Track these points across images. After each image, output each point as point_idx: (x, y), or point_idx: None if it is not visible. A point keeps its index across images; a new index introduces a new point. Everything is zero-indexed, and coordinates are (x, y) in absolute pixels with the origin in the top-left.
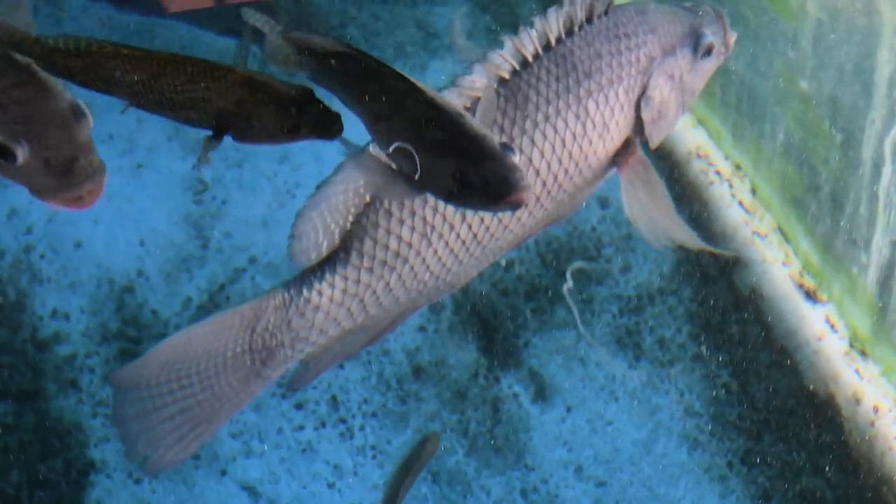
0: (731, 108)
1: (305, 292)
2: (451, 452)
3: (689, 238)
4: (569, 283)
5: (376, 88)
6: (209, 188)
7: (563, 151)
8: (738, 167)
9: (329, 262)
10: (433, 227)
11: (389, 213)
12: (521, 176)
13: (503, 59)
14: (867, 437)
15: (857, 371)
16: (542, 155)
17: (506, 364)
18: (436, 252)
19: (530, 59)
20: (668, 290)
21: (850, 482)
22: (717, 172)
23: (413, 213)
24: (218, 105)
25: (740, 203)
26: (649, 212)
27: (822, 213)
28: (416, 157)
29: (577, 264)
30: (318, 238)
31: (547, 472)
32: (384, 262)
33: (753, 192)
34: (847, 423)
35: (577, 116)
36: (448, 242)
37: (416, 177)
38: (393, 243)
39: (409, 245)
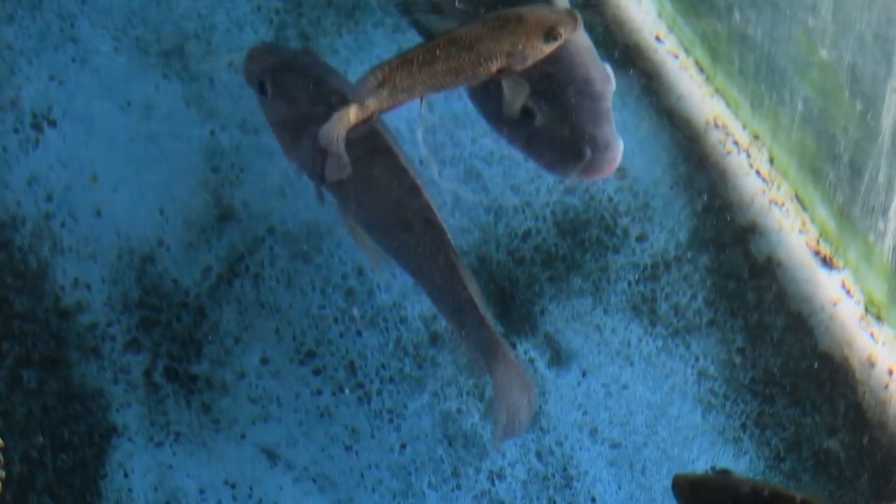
0: (749, 77)
1: None
2: (467, 416)
3: None
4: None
5: None
6: (226, 157)
7: None
8: (755, 137)
9: None
10: None
11: None
12: None
13: None
14: (881, 400)
15: (871, 335)
16: None
17: (522, 330)
18: None
19: None
20: (684, 258)
21: (864, 444)
22: (735, 142)
23: None
24: None
25: (757, 172)
26: None
27: (840, 182)
28: None
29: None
30: None
31: (562, 435)
32: None
33: (771, 161)
34: (861, 385)
35: None
36: None
37: None
38: None
39: None
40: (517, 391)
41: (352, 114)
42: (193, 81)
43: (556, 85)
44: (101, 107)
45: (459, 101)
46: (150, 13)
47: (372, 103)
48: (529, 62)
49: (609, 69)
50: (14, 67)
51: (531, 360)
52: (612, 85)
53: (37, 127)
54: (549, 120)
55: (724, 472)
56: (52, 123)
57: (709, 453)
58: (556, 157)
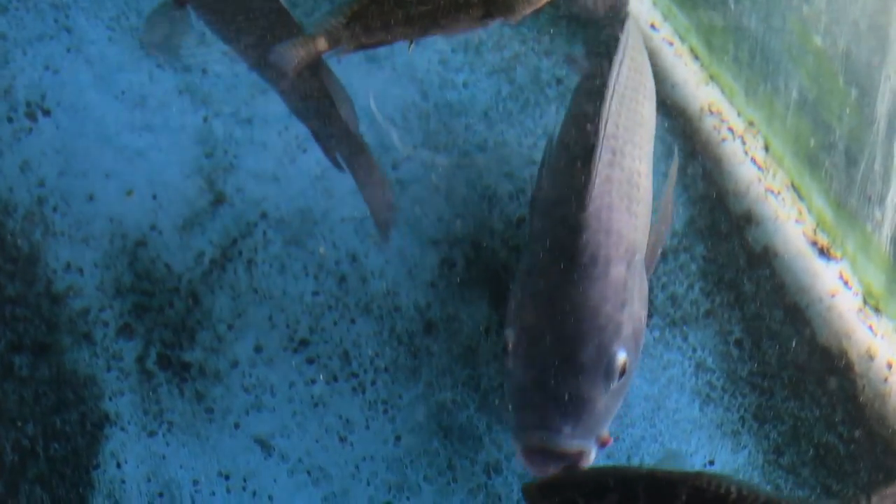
0: (744, 64)
1: None
2: (463, 407)
3: None
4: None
5: None
6: (219, 144)
7: None
8: (750, 124)
9: None
10: None
11: None
12: None
13: None
14: (880, 393)
15: (870, 327)
16: None
17: None
18: None
19: None
20: (681, 247)
21: (863, 437)
22: (730, 129)
23: None
24: None
25: (753, 160)
26: None
27: (836, 170)
28: None
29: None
30: None
31: None
32: None
33: (766, 148)
34: (860, 378)
35: None
36: None
37: None
38: None
39: None
40: (377, 185)
41: (319, 43)
42: (186, 71)
43: (533, 333)
44: (95, 95)
45: (454, 91)
46: (143, 3)
47: (343, 35)
48: (519, 15)
49: (621, 357)
50: (8, 57)
51: None
52: (617, 373)
53: (30, 115)
54: (515, 372)
55: (571, 468)
56: (46, 112)
57: (707, 447)
58: (511, 422)
